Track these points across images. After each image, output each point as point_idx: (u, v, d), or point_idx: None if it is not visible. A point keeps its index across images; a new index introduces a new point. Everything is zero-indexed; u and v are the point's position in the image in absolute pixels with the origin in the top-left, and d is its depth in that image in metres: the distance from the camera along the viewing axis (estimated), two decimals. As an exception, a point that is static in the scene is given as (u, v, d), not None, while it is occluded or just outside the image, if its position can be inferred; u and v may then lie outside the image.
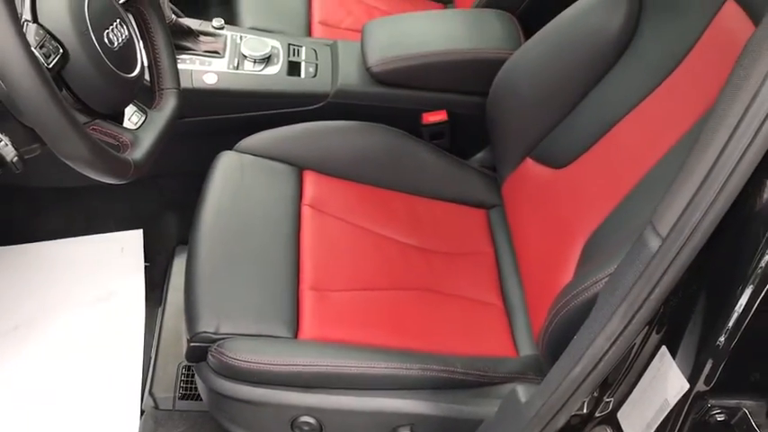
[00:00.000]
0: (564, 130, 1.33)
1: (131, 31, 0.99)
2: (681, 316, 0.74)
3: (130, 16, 1.06)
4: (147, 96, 1.09)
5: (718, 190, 0.65)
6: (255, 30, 1.64)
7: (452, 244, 1.43)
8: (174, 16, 1.42)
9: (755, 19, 1.03)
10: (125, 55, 0.96)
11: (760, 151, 0.63)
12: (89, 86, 0.91)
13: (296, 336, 1.17)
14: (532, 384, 0.95)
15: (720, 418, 0.73)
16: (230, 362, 1.11)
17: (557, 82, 1.32)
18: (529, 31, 1.52)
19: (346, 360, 1.12)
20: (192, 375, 1.40)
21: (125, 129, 0.98)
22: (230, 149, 1.42)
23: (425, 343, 1.22)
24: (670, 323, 0.75)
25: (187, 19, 1.49)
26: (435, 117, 1.49)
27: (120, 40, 0.95)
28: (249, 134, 1.44)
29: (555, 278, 1.23)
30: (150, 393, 1.38)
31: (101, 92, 0.92)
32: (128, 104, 1.00)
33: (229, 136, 1.43)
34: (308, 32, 1.77)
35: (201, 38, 1.48)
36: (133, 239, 1.57)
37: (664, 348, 0.75)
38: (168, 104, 1.08)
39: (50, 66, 0.84)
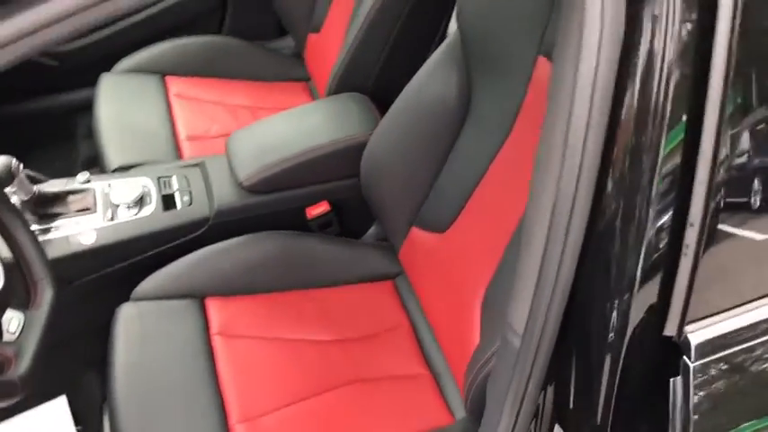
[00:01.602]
0: (435, 198, 1.38)
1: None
2: (566, 396, 0.78)
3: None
4: (19, 292, 1.08)
5: (551, 291, 0.70)
6: (122, 168, 1.64)
7: (367, 325, 1.46)
8: (35, 188, 1.41)
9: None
10: (-17, 274, 0.96)
11: (577, 244, 0.68)
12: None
13: (236, 476, 1.18)
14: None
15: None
16: None
17: (415, 154, 1.38)
18: (383, 107, 1.58)
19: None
20: None
21: (4, 343, 0.97)
22: (127, 298, 1.42)
23: (365, 439, 1.25)
24: (560, 403, 0.79)
25: (50, 182, 1.49)
26: (318, 210, 1.52)
27: (-25, 260, 0.95)
28: (143, 277, 1.44)
29: (466, 339, 1.27)
30: None
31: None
32: (1, 315, 0.99)
33: (123, 285, 1.43)
34: (178, 153, 1.78)
35: (70, 198, 1.47)
36: (58, 408, 1.54)
37: (558, 428, 0.80)
38: (45, 297, 1.08)
39: None
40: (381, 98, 1.59)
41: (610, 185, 0.68)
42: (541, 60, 1.13)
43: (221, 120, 1.88)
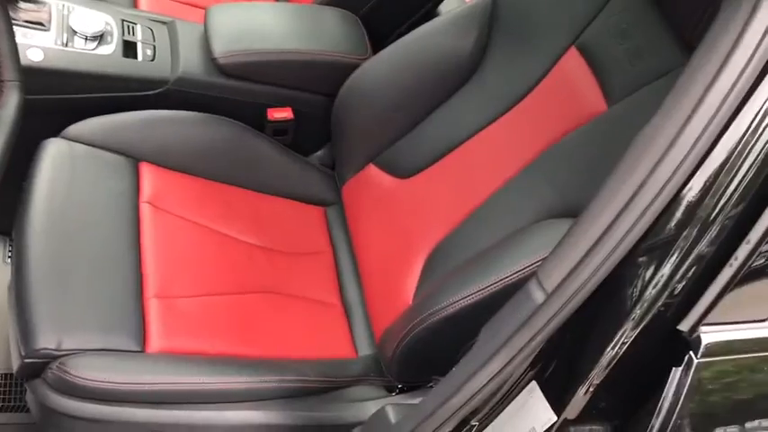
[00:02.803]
0: (409, 143, 1.39)
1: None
2: (554, 356, 0.84)
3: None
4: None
5: (603, 260, 0.74)
6: (73, -6, 1.48)
7: (293, 243, 1.44)
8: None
9: (594, 69, 1.17)
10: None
11: (640, 232, 0.73)
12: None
13: (144, 348, 1.12)
14: (396, 405, 1.01)
15: (575, 442, 0.85)
16: (75, 381, 1.04)
17: (406, 95, 1.38)
18: (371, 33, 1.56)
19: (199, 376, 1.10)
20: (11, 384, 1.28)
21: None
22: (53, 134, 1.30)
23: (274, 349, 1.24)
24: (543, 362, 0.85)
25: (2, -21, 1.31)
26: (281, 114, 1.47)
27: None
28: (75, 118, 1.32)
29: (397, 284, 1.30)
30: (-40, 408, 1.24)
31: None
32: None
33: (53, 119, 1.30)
34: (133, 2, 1.64)
35: (21, 4, 1.31)
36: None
37: (533, 384, 0.85)
38: (11, 101, 0.96)
39: None
40: (370, 25, 1.57)
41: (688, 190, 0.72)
42: (573, 51, 1.18)
43: (184, -15, 1.75)
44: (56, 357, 1.05)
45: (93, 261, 1.17)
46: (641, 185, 0.72)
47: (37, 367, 1.06)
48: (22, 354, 1.06)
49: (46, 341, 1.05)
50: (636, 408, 0.84)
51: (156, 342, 1.14)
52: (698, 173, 0.71)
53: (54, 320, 1.08)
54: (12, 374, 1.28)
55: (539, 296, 0.79)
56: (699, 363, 0.75)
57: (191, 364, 1.12)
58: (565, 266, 0.77)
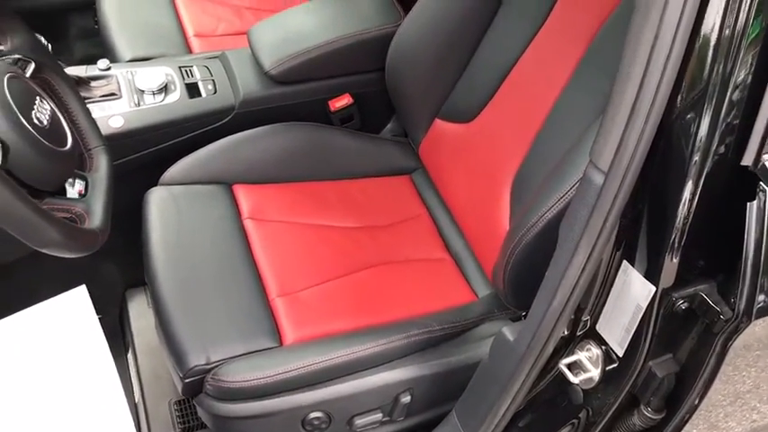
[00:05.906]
0: (464, 86, 1.43)
1: (50, 104, 0.99)
2: (634, 231, 0.85)
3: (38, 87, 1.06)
4: (77, 161, 1.09)
5: (644, 121, 0.75)
6: (137, 61, 1.63)
7: (389, 215, 1.51)
8: (60, 70, 1.40)
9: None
10: (56, 129, 0.97)
11: (670, 81, 0.74)
12: (33, 169, 0.91)
13: (281, 343, 1.23)
14: (513, 324, 1.05)
15: (684, 306, 0.86)
16: (230, 386, 1.16)
17: (446, 43, 1.41)
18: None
19: (334, 351, 1.19)
20: (186, 408, 1.43)
21: (74, 200, 0.99)
22: (153, 184, 1.44)
23: (397, 313, 1.31)
24: (626, 240, 0.87)
25: (72, 68, 1.47)
26: (341, 102, 1.55)
27: (47, 116, 0.95)
28: (168, 165, 1.45)
29: (493, 221, 1.34)
30: (152, 438, 1.41)
31: (44, 171, 0.93)
32: (70, 176, 1.01)
33: (149, 171, 1.44)
34: (188, 49, 1.77)
35: (93, 83, 1.46)
36: (78, 297, 1.55)
37: (625, 263, 0.87)
38: (101, 163, 1.09)
39: (-1, 164, 0.84)
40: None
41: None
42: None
43: (227, 19, 1.87)
44: (208, 371, 1.18)
45: (216, 281, 1.29)
46: (656, 37, 0.73)
47: (196, 384, 1.19)
48: (181, 375, 1.19)
49: (196, 359, 1.18)
50: (736, 258, 0.84)
51: (289, 335, 1.24)
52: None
53: (198, 340, 1.20)
54: (183, 400, 1.44)
55: (598, 178, 0.82)
56: (771, 190, 0.75)
57: (323, 345, 1.21)
58: (612, 140, 0.79)
